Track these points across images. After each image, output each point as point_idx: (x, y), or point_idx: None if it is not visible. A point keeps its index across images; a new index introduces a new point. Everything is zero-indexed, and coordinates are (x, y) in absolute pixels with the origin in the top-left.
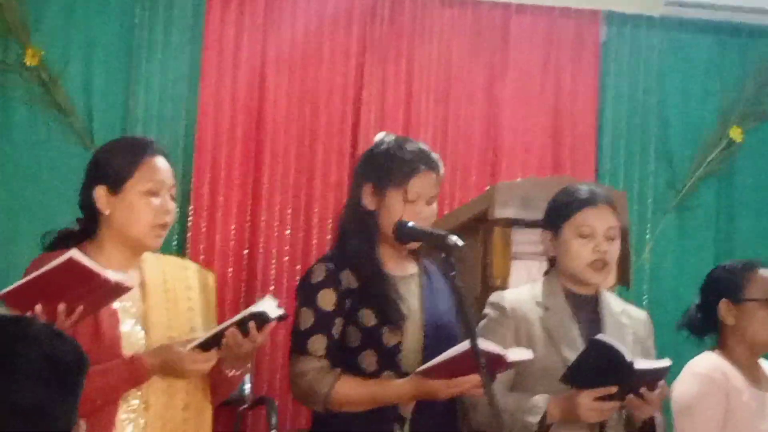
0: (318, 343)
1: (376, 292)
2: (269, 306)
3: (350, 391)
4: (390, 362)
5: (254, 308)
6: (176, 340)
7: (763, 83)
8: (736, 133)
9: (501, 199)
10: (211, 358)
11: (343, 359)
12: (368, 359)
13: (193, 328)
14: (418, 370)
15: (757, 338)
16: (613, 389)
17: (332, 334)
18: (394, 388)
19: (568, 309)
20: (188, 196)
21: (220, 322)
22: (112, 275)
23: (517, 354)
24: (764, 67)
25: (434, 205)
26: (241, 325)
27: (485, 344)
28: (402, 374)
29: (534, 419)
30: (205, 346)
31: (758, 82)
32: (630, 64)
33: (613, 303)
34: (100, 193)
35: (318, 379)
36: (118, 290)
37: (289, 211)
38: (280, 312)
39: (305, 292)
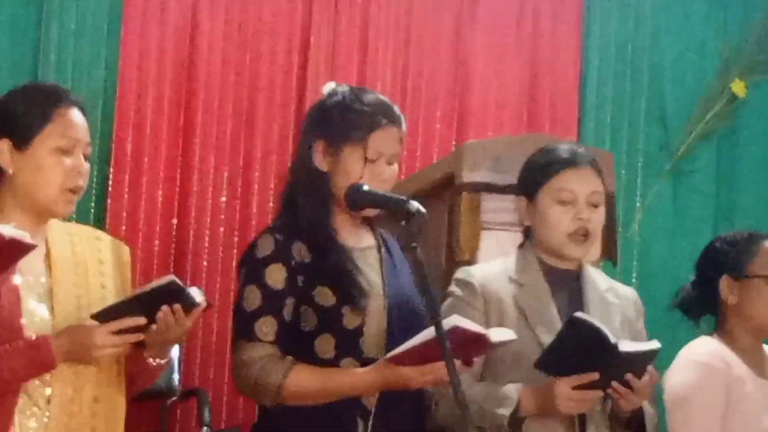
0: (267, 327)
1: (334, 266)
2: (194, 292)
3: (306, 382)
4: (350, 347)
5: (172, 279)
6: (86, 321)
7: None
8: (738, 88)
9: (469, 161)
10: (127, 339)
11: (295, 345)
12: (325, 344)
13: None
14: (387, 356)
15: (762, 319)
16: (595, 376)
17: (283, 316)
18: (358, 378)
19: (546, 286)
20: (108, 156)
21: None
22: (2, 230)
23: (499, 334)
24: None
25: (395, 166)
26: (157, 298)
27: (464, 323)
28: (363, 361)
29: (505, 411)
30: (110, 315)
31: (764, 28)
32: (618, 8)
33: (597, 279)
34: (2, 148)
35: (268, 368)
36: (14, 250)
37: (225, 174)
38: (204, 298)
39: (251, 268)
